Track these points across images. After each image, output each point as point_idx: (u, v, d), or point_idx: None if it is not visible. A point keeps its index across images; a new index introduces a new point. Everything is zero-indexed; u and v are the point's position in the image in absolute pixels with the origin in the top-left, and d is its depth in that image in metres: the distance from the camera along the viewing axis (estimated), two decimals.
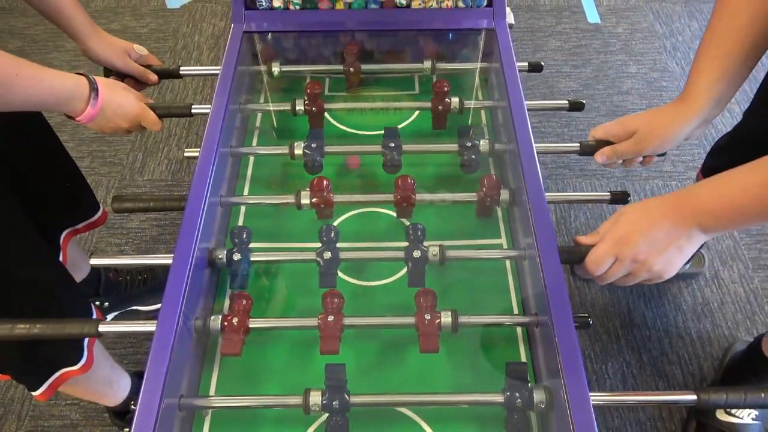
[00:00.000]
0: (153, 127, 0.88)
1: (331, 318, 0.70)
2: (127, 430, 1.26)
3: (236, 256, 0.76)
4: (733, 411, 1.20)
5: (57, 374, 0.92)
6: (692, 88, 0.76)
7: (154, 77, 1.02)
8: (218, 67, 0.94)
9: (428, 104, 0.96)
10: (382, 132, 0.89)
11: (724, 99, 0.76)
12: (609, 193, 0.83)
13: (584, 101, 0.96)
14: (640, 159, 0.84)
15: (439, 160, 0.96)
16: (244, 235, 0.78)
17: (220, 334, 0.71)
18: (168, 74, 1.03)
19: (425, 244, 0.75)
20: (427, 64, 1.04)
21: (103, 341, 1.34)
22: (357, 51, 1.05)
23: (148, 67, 1.02)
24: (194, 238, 0.73)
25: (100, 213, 1.16)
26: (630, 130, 0.81)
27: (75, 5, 0.91)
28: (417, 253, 0.74)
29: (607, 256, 0.67)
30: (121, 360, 1.34)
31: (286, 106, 0.97)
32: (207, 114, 0.88)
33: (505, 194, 0.82)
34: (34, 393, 0.91)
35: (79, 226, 1.12)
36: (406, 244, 0.76)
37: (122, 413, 1.24)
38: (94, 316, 0.97)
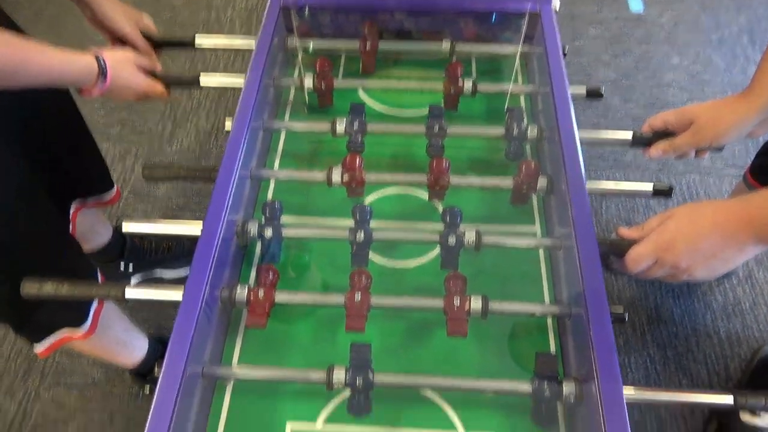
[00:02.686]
0: (160, 98, 0.90)
1: (358, 296, 0.69)
2: (149, 387, 1.28)
3: (268, 230, 0.75)
4: (758, 412, 1.17)
5: (57, 335, 0.93)
6: (756, 83, 0.73)
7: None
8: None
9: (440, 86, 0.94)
10: (417, 111, 0.87)
11: None
12: (651, 185, 0.80)
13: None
14: (693, 153, 0.80)
15: (476, 144, 0.94)
16: (276, 209, 0.77)
17: (246, 306, 0.70)
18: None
19: (461, 227, 0.74)
20: (446, 45, 1.01)
21: (122, 304, 1.37)
22: (376, 30, 1.02)
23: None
24: (223, 210, 0.72)
25: (113, 193, 1.16)
26: (687, 120, 0.78)
27: None
28: (452, 238, 0.73)
29: (647, 258, 0.65)
30: (143, 323, 1.36)
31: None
32: (216, 86, 0.89)
33: (542, 181, 0.79)
34: (35, 348, 0.93)
35: (89, 201, 1.12)
36: (437, 225, 0.75)
37: (142, 374, 1.26)
38: None
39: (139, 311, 1.40)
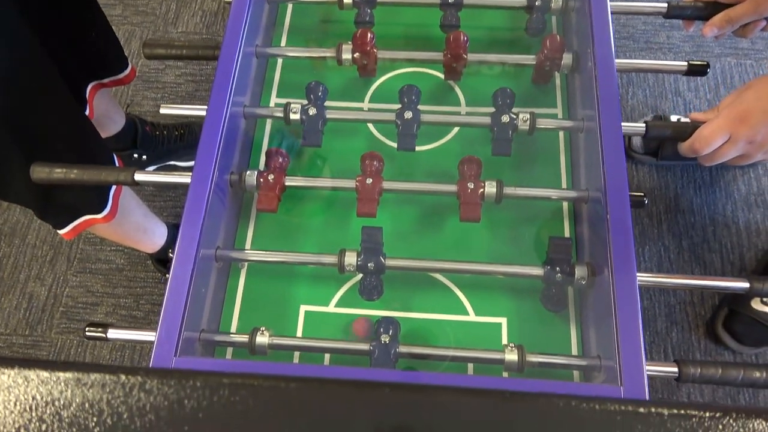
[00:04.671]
0: None
1: (369, 180, 0.67)
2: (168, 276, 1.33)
3: (311, 111, 0.72)
4: None
5: (80, 220, 0.95)
6: None
7: None
8: None
9: None
10: None
11: None
12: (686, 63, 0.73)
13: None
14: (763, 24, 0.72)
15: (495, 19, 0.87)
16: (320, 92, 0.74)
17: (256, 190, 0.69)
18: None
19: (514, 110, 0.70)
20: None
21: (142, 194, 1.37)
22: None
23: None
24: (229, 89, 0.69)
25: (128, 70, 1.13)
26: None
27: None
28: (505, 118, 0.69)
29: (720, 133, 0.59)
30: (160, 212, 1.38)
31: None
32: None
33: (567, 58, 0.73)
34: (59, 231, 0.95)
35: (106, 80, 1.09)
36: (454, 108, 0.71)
37: (163, 260, 1.30)
38: None
39: (155, 201, 1.42)
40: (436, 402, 0.24)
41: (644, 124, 0.66)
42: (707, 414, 0.20)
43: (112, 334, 0.61)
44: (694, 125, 0.63)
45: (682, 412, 0.21)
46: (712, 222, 1.34)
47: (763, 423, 0.20)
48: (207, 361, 0.60)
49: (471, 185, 0.66)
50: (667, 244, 1.32)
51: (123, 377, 0.24)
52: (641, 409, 0.23)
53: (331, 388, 0.22)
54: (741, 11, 0.70)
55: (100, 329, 0.62)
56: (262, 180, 0.69)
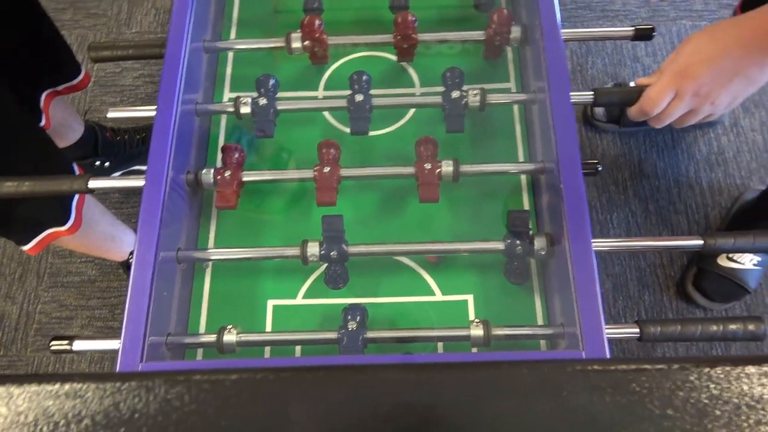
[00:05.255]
0: None
1: (327, 169, 0.67)
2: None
3: (261, 101, 0.70)
4: (735, 257, 1.21)
5: (44, 234, 0.92)
6: None
7: None
8: None
9: None
10: None
11: None
12: (632, 29, 0.74)
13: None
14: None
15: None
16: (270, 84, 0.72)
17: (214, 188, 0.69)
18: None
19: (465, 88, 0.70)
20: None
21: (108, 202, 1.35)
22: None
23: None
24: (177, 87, 0.67)
25: (82, 75, 1.10)
26: None
27: None
28: (455, 94, 0.68)
29: (666, 92, 0.60)
30: (128, 219, 1.36)
31: None
32: None
33: (516, 31, 0.74)
34: (23, 248, 0.93)
35: (60, 88, 1.07)
36: (409, 90, 0.71)
37: None
38: None
39: (122, 208, 1.40)
40: (376, 379, 0.24)
41: (593, 92, 0.66)
42: (657, 367, 0.21)
43: (78, 345, 0.61)
44: (641, 89, 0.63)
45: (623, 367, 0.21)
46: (677, 184, 1.37)
47: (705, 370, 0.20)
48: (170, 364, 0.60)
49: (428, 166, 0.66)
50: (634, 209, 1.35)
51: (57, 386, 0.24)
52: (578, 367, 0.23)
53: (267, 376, 0.22)
54: None
55: (65, 342, 0.61)
56: (219, 177, 0.68)
